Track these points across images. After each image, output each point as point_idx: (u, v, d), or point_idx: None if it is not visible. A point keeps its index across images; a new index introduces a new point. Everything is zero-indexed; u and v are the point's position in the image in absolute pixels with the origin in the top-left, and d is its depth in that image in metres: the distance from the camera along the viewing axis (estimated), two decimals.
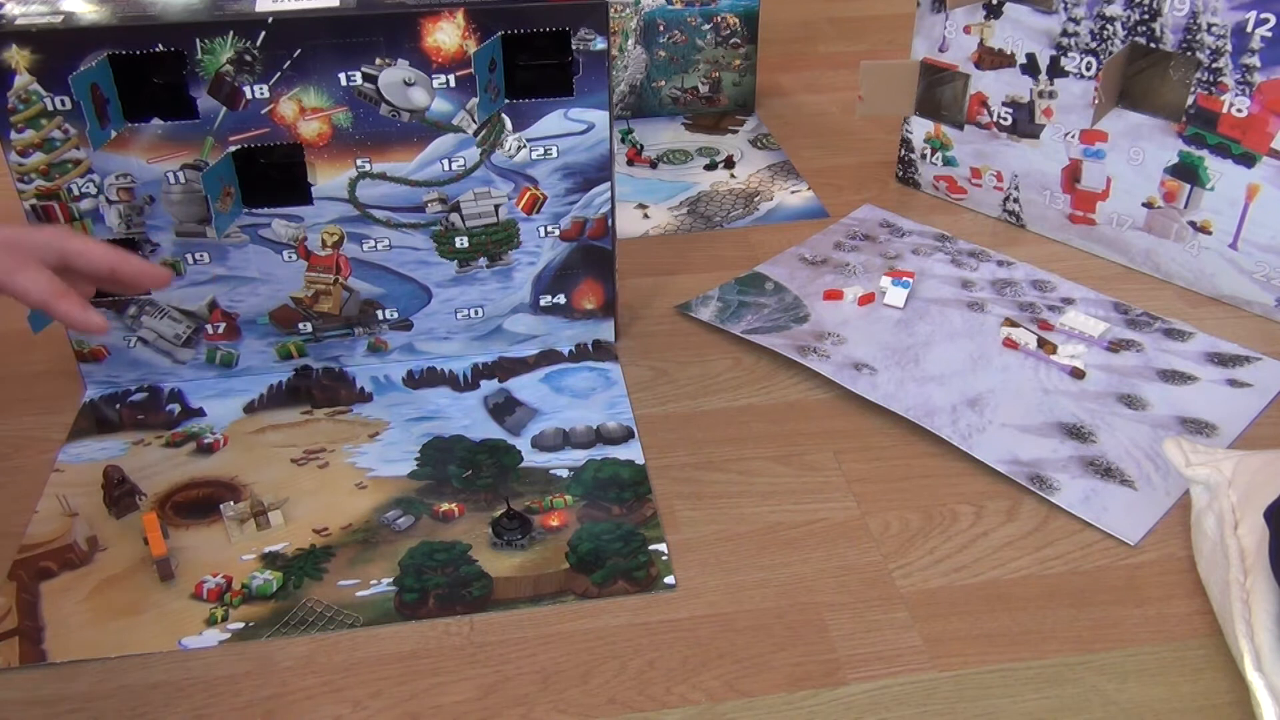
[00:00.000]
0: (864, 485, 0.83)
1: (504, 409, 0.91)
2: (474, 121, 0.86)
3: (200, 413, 0.91)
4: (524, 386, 0.94)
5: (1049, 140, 1.07)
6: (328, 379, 0.95)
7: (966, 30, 1.08)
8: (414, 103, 0.85)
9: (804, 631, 0.72)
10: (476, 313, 0.95)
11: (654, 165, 1.27)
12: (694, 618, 0.73)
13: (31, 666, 0.70)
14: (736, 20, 1.32)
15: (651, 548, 0.78)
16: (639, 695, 0.68)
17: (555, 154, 0.89)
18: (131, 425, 0.90)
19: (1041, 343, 0.95)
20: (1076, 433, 0.86)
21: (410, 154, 0.87)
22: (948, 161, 1.17)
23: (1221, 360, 0.94)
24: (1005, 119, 1.10)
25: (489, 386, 0.94)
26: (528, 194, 0.90)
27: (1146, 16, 0.96)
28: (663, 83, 1.35)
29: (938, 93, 1.16)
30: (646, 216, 1.18)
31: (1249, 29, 0.91)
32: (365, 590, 0.75)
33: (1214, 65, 0.94)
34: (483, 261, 0.93)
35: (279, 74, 0.82)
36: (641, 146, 1.30)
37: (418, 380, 0.95)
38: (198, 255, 0.89)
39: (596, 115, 0.88)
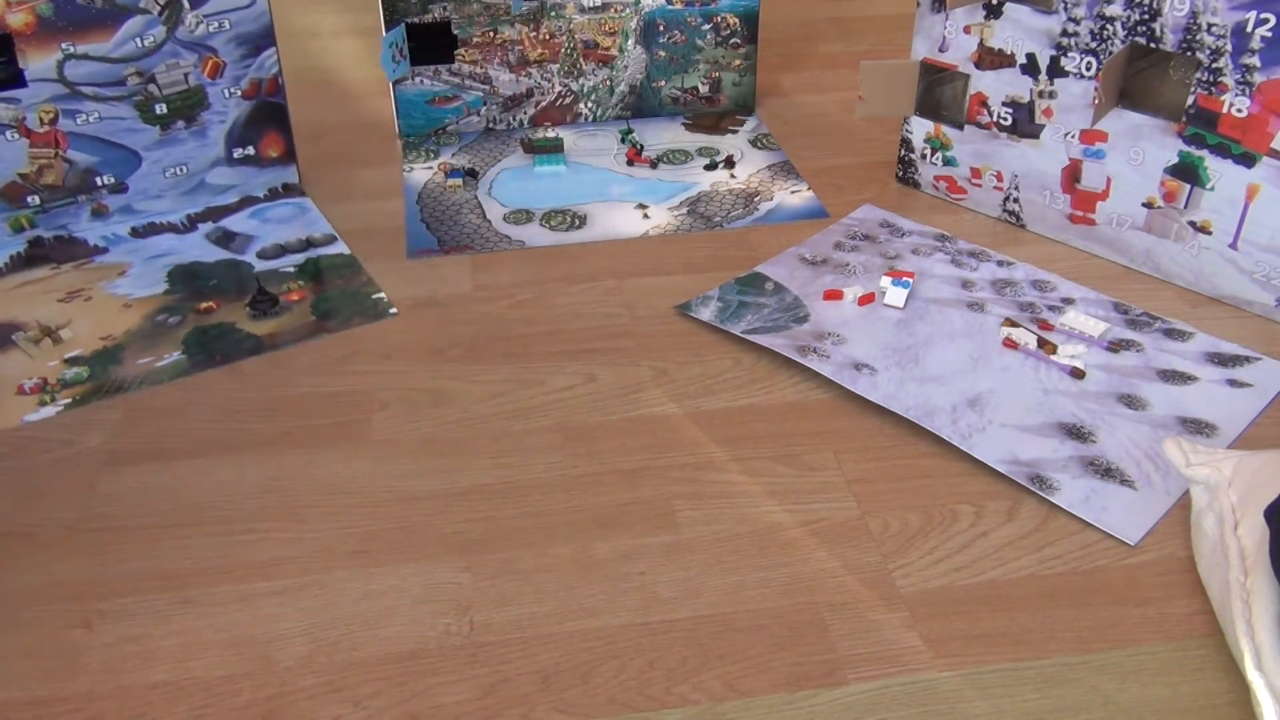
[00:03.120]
0: (864, 485, 0.83)
1: (226, 239, 1.13)
2: (158, 4, 1.05)
3: None
4: (236, 222, 1.16)
5: (1049, 140, 1.07)
6: (59, 244, 1.10)
7: (966, 30, 1.08)
8: None
9: (804, 631, 0.72)
10: (181, 170, 1.15)
11: (654, 165, 1.27)
12: (694, 618, 0.73)
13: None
14: (736, 20, 1.32)
15: (374, 297, 1.04)
16: (639, 695, 0.68)
17: (229, 26, 1.10)
18: None
19: (1041, 343, 0.95)
20: (1076, 433, 0.86)
21: (107, 35, 1.05)
22: (948, 161, 1.17)
23: (1221, 360, 0.94)
24: (1005, 119, 1.09)
25: (206, 227, 1.14)
26: (210, 62, 1.11)
27: (1146, 16, 0.96)
28: (663, 83, 1.35)
29: (938, 93, 1.16)
30: (646, 216, 1.18)
31: (1249, 29, 0.91)
32: (161, 361, 0.96)
33: (1214, 65, 0.94)
34: (180, 124, 1.12)
35: None
36: (641, 146, 1.29)
37: (142, 233, 1.12)
38: None
39: None
